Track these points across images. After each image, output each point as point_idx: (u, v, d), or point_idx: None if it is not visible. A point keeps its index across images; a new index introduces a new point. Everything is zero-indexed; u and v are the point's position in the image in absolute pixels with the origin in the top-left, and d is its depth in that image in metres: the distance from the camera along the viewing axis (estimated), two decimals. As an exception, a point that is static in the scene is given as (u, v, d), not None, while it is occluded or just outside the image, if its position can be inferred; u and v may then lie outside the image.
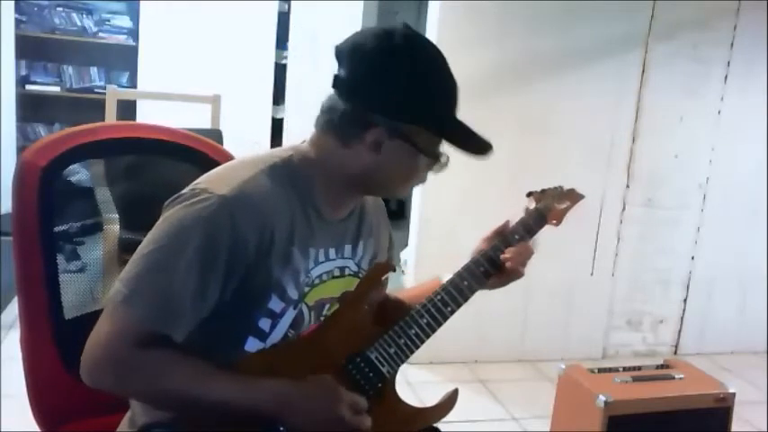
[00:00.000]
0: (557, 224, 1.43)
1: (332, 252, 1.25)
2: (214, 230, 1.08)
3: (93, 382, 1.09)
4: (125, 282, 1.08)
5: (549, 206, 1.42)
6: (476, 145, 1.22)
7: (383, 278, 1.35)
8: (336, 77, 1.17)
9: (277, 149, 1.25)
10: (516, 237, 1.35)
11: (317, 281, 1.22)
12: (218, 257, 1.09)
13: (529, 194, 1.43)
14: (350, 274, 1.30)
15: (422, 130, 1.17)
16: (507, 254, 1.32)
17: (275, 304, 1.16)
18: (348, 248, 1.29)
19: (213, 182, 1.14)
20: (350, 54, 1.16)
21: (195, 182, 1.15)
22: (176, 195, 1.14)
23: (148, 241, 1.10)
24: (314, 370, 1.19)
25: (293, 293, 1.18)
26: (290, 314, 1.19)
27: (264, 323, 1.16)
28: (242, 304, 1.14)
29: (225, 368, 1.13)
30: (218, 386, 1.10)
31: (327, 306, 1.26)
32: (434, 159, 1.21)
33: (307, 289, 1.21)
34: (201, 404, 1.10)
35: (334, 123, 1.17)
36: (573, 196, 1.46)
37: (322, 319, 1.27)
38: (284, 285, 1.16)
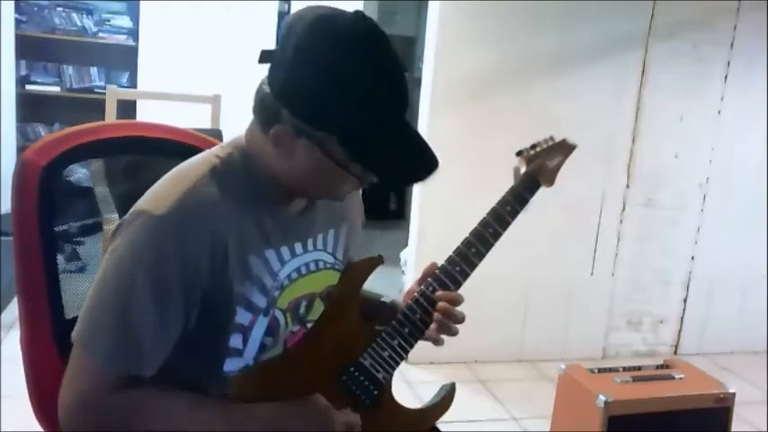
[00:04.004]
0: (549, 185, 1.32)
1: (298, 247, 1.17)
2: (160, 255, 1.01)
3: (72, 430, 1.04)
4: (82, 323, 1.03)
5: (541, 166, 1.30)
6: (403, 170, 1.08)
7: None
8: (262, 53, 1.04)
9: (216, 148, 1.15)
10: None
11: (286, 281, 1.15)
12: (171, 281, 1.01)
13: (519, 153, 1.32)
14: (326, 268, 1.23)
15: (332, 138, 1.02)
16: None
17: (243, 317, 1.09)
18: (319, 238, 1.21)
19: (150, 201, 1.05)
20: (282, 33, 1.03)
21: (136, 204, 1.07)
22: (119, 222, 1.07)
23: (99, 278, 1.04)
24: (308, 384, 1.15)
25: (260, 302, 1.11)
26: (262, 323, 1.12)
27: (236, 340, 1.10)
28: (209, 324, 1.07)
29: (211, 397, 1.08)
30: (205, 419, 1.06)
31: (305, 304, 1.19)
32: (350, 172, 1.05)
33: (276, 293, 1.13)
34: None
35: (256, 106, 1.08)
36: (564, 148, 1.35)
37: (308, 322, 1.21)
38: (248, 296, 1.09)
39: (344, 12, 1.02)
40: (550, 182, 1.32)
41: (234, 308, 1.08)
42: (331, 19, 1.01)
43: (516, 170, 1.30)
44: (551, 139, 1.34)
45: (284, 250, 1.15)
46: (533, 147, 1.32)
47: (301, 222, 1.18)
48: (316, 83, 1.00)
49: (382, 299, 1.34)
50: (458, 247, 1.24)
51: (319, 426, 1.10)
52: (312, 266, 1.20)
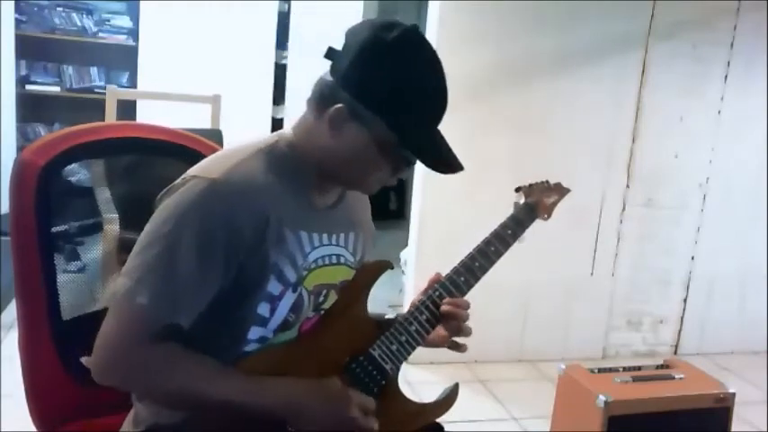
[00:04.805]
0: (547, 218, 1.46)
1: (325, 238, 1.25)
2: (208, 214, 1.09)
3: (105, 380, 1.10)
4: (127, 275, 1.09)
5: (539, 200, 1.45)
6: (437, 160, 1.19)
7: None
8: (329, 50, 1.17)
9: (264, 136, 1.25)
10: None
11: (313, 265, 1.22)
12: (216, 240, 1.09)
13: (517, 189, 1.47)
14: (345, 264, 1.29)
15: (383, 123, 1.14)
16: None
17: (274, 287, 1.16)
18: (342, 237, 1.29)
19: (204, 169, 1.15)
20: (347, 34, 1.17)
21: (186, 172, 1.16)
22: (169, 186, 1.15)
23: (146, 233, 1.11)
24: (317, 370, 1.19)
25: (291, 276, 1.17)
26: (290, 297, 1.18)
27: (264, 308, 1.16)
28: (242, 289, 1.14)
29: (232, 368, 1.14)
30: (228, 385, 1.12)
31: (324, 292, 1.25)
32: (391, 156, 1.18)
33: (305, 273, 1.20)
34: (211, 402, 1.11)
35: (315, 94, 1.19)
36: (559, 190, 1.51)
37: (322, 310, 1.26)
38: (281, 267, 1.16)
39: (399, 24, 1.16)
40: (548, 214, 1.47)
41: (268, 276, 1.15)
42: (389, 28, 1.14)
43: (516, 204, 1.44)
44: (547, 182, 1.50)
45: (315, 236, 1.23)
46: (531, 185, 1.47)
47: (330, 216, 1.27)
48: (375, 72, 1.13)
49: (386, 316, 1.39)
50: (462, 260, 1.34)
51: (335, 406, 1.15)
52: (334, 259, 1.27)
